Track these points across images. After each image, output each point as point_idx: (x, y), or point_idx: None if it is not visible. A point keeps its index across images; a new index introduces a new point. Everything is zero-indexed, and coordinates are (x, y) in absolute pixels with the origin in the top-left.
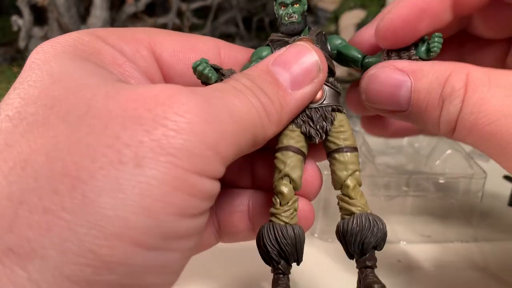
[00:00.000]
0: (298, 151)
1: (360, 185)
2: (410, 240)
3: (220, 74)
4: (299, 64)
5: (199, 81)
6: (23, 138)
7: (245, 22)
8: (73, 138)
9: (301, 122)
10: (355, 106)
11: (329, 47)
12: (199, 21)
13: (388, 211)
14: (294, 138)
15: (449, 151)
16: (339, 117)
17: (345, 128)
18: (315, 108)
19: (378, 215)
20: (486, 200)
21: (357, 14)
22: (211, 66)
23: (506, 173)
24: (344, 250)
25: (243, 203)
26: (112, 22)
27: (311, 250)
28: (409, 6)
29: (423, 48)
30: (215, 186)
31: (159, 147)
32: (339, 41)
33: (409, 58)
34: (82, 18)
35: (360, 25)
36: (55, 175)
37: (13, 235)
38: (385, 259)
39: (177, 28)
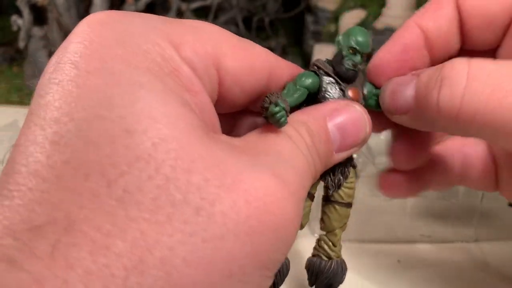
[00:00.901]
0: (311, 197)
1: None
2: (410, 240)
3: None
4: (353, 137)
5: (247, 100)
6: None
7: (245, 22)
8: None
9: (324, 173)
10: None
11: (362, 95)
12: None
13: (388, 211)
14: (313, 185)
15: None
16: (351, 173)
17: (352, 185)
18: (339, 163)
19: (378, 215)
20: (487, 200)
21: (357, 14)
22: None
23: None
24: (308, 280)
25: None
26: None
27: (311, 250)
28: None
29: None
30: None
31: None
32: (368, 89)
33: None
34: (82, 18)
35: (360, 25)
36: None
37: None
38: (385, 259)
39: None
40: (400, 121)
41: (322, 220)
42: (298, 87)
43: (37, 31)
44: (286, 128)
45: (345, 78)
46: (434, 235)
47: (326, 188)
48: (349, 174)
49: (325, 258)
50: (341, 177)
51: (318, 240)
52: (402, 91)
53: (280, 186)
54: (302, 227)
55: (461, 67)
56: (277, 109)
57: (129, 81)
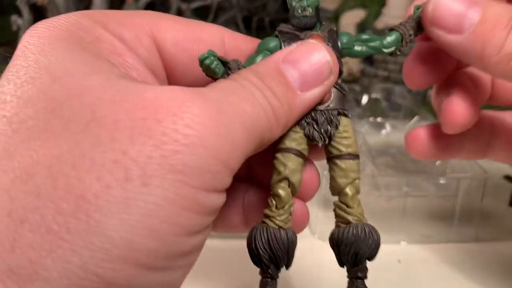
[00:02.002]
0: (299, 154)
1: (358, 193)
2: (410, 240)
3: (227, 68)
4: (310, 65)
5: (202, 72)
6: (23, 145)
7: (245, 22)
8: (77, 150)
9: (305, 124)
10: (413, 78)
11: (339, 45)
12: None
13: (389, 211)
14: (296, 140)
15: None
16: (344, 122)
17: (349, 134)
18: (321, 110)
19: (378, 215)
20: (487, 200)
21: (357, 14)
22: (219, 59)
23: (507, 173)
24: (336, 258)
25: (238, 196)
26: None
27: (311, 250)
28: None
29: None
30: (222, 199)
31: (169, 164)
32: (347, 38)
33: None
34: None
35: (360, 25)
36: (59, 193)
37: (15, 255)
38: (386, 259)
39: None
40: (441, 37)
41: (330, 185)
42: (258, 52)
43: None
44: (232, 76)
45: (303, 28)
46: (434, 235)
47: (313, 140)
48: (339, 123)
49: (343, 225)
50: (329, 127)
51: (334, 210)
52: (459, 12)
53: (195, 95)
54: (295, 187)
55: None
56: (203, 56)
57: (55, 51)
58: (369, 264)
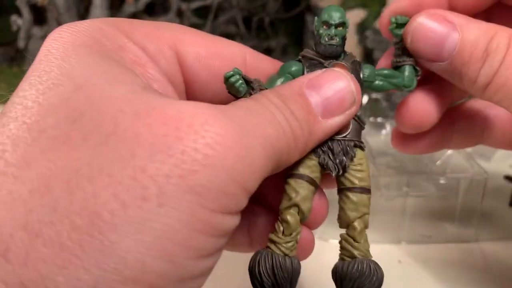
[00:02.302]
0: (311, 182)
1: (367, 228)
2: (410, 240)
3: (250, 87)
4: (334, 92)
5: (221, 89)
6: (42, 156)
7: (245, 22)
8: (96, 164)
9: (321, 152)
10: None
11: (361, 77)
12: (199, 21)
13: (389, 211)
14: (310, 167)
15: (449, 151)
16: (359, 155)
17: (363, 168)
18: (337, 140)
19: (378, 215)
20: (487, 200)
21: (357, 14)
22: (243, 77)
23: (507, 173)
24: None
25: (245, 217)
26: None
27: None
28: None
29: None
30: (237, 220)
31: (186, 185)
32: (369, 71)
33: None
34: (82, 18)
35: (361, 25)
36: (75, 208)
37: (27, 269)
38: (386, 259)
39: None
40: (424, 64)
41: (339, 216)
42: (279, 74)
43: (37, 31)
44: (256, 97)
45: (328, 56)
46: (434, 235)
47: (327, 170)
48: (355, 155)
49: (348, 259)
50: (344, 158)
51: (340, 242)
52: (440, 42)
53: (223, 119)
54: (304, 215)
55: (504, 42)
56: (229, 74)
57: (78, 57)
58: None
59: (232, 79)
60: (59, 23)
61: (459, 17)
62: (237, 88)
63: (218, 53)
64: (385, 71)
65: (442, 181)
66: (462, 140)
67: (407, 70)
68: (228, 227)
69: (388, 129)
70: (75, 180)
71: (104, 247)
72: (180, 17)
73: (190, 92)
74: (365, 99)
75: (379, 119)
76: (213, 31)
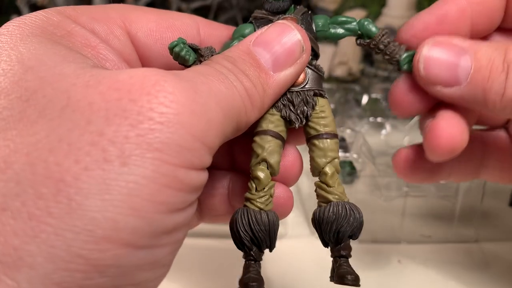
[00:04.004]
0: (277, 136)
1: (338, 173)
2: (410, 240)
3: (199, 54)
4: (281, 44)
5: (177, 62)
6: (0, 136)
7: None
8: (54, 135)
9: (282, 106)
10: (400, 107)
11: (314, 28)
12: None
13: (389, 211)
14: (273, 122)
15: None
16: (321, 102)
17: (326, 114)
18: (296, 91)
19: (378, 215)
20: (487, 200)
21: (357, 14)
22: (189, 46)
23: None
24: (319, 238)
25: (223, 185)
26: None
27: (311, 250)
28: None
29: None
30: (203, 177)
31: (146, 143)
32: (322, 20)
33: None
34: None
35: None
36: (38, 178)
37: None
38: (386, 259)
39: None
40: (438, 93)
41: (310, 165)
42: (233, 39)
43: None
44: (205, 62)
45: (276, 12)
46: (434, 235)
47: (290, 122)
48: (316, 103)
49: (324, 205)
50: (305, 108)
51: (315, 190)
52: (451, 65)
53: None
54: (273, 169)
55: None
56: (173, 43)
57: (27, 45)
58: (369, 264)
59: (177, 49)
60: None
61: (465, 40)
62: (184, 57)
63: (169, 26)
64: (339, 18)
65: (442, 181)
66: (463, 169)
67: (372, 27)
68: (195, 182)
69: (388, 129)
70: (35, 153)
71: (72, 210)
72: None
73: (147, 67)
74: (365, 99)
75: (379, 119)
76: None
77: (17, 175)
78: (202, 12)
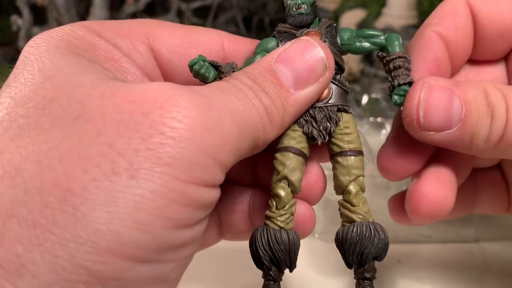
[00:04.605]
0: (299, 153)
1: (363, 191)
2: (410, 240)
3: (219, 71)
4: (303, 62)
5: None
6: (13, 143)
7: (245, 22)
8: (65, 145)
9: (304, 122)
10: (388, 171)
11: (339, 41)
12: (199, 21)
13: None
14: (295, 139)
15: None
16: (345, 118)
17: (350, 130)
18: (319, 107)
19: (378, 215)
20: None
21: (357, 14)
22: (210, 63)
23: None
24: (343, 259)
25: (244, 201)
26: None
27: (311, 250)
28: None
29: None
30: (215, 194)
31: (155, 157)
32: (347, 34)
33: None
34: (82, 18)
35: (360, 25)
36: (46, 187)
37: (3, 250)
38: (386, 259)
39: None
40: (429, 138)
41: (334, 183)
42: (256, 53)
43: (37, 31)
44: (225, 78)
45: (299, 26)
46: (434, 235)
47: (312, 139)
48: (339, 119)
49: (348, 224)
50: (328, 124)
51: (339, 209)
52: (447, 110)
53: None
54: (295, 186)
55: (497, 95)
56: (192, 61)
57: (51, 56)
58: None
59: (196, 66)
60: (59, 23)
61: (451, 81)
62: (203, 74)
63: (193, 42)
64: (366, 31)
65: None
66: (458, 208)
67: (396, 41)
68: (205, 199)
69: (388, 129)
70: (45, 161)
71: (77, 220)
72: (180, 17)
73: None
74: (365, 99)
75: (379, 119)
76: None
77: (25, 182)
78: (202, 12)
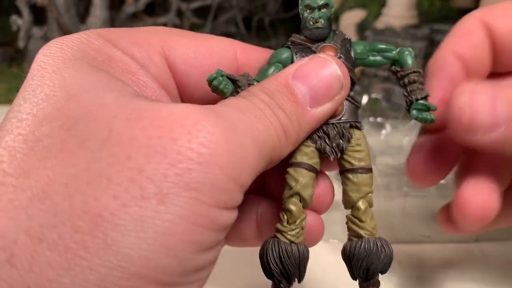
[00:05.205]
0: (311, 169)
1: (371, 207)
2: (410, 240)
3: (236, 85)
4: (320, 80)
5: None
6: (40, 164)
7: (245, 22)
8: (94, 169)
9: (317, 138)
10: (418, 177)
11: (353, 55)
12: (199, 21)
13: (389, 212)
14: (308, 154)
15: None
16: (357, 135)
17: (361, 148)
18: (332, 124)
19: (378, 215)
20: None
21: (357, 14)
22: (227, 77)
23: None
24: (349, 271)
25: (252, 210)
26: (112, 22)
27: (311, 250)
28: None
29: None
30: (234, 215)
31: (183, 182)
32: (361, 48)
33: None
34: (82, 18)
35: (360, 25)
36: (76, 211)
37: (33, 274)
38: None
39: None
40: (477, 141)
41: (343, 198)
42: (270, 64)
43: (37, 31)
44: (243, 94)
45: (315, 39)
46: (434, 235)
47: (325, 154)
48: (351, 136)
49: (355, 239)
50: (341, 141)
51: (346, 223)
52: (491, 109)
53: (212, 118)
54: (306, 202)
55: None
56: (211, 77)
57: (69, 70)
58: None
59: (215, 82)
60: (59, 23)
61: (488, 82)
62: (222, 90)
63: (207, 52)
64: (379, 46)
65: (442, 181)
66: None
67: (410, 58)
68: (227, 221)
69: (388, 129)
70: (74, 185)
71: (107, 245)
72: (180, 17)
73: (184, 94)
74: (365, 99)
75: (379, 119)
76: (213, 31)
77: (55, 206)
78: (202, 12)
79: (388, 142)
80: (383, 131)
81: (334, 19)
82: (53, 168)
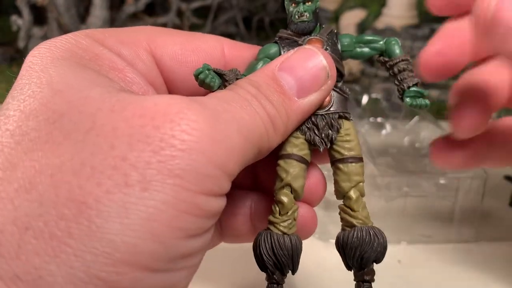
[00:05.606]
0: (301, 160)
1: (363, 196)
2: (410, 240)
3: (224, 79)
4: (306, 71)
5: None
6: (26, 156)
7: (245, 22)
8: (78, 158)
9: (306, 129)
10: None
11: (340, 47)
12: (199, 21)
13: (389, 212)
14: (297, 146)
15: None
16: (346, 125)
17: (351, 137)
18: (321, 115)
19: (378, 215)
20: (487, 200)
21: (357, 14)
22: (214, 71)
23: (507, 173)
24: (343, 261)
25: (245, 205)
26: (112, 22)
27: (311, 250)
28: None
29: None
30: (221, 203)
31: (167, 169)
32: (347, 40)
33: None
34: (82, 18)
35: (360, 25)
36: (61, 200)
37: (20, 262)
38: (386, 259)
39: (177, 28)
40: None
41: (334, 188)
42: (258, 59)
43: (37, 31)
44: (230, 87)
45: (301, 33)
46: (434, 235)
47: (314, 145)
48: (340, 126)
49: (348, 229)
50: (330, 131)
51: (339, 213)
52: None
53: (188, 102)
54: (297, 193)
55: None
56: (198, 71)
57: (56, 68)
58: None
59: (202, 76)
60: (59, 23)
61: None
62: (208, 84)
63: (194, 49)
64: (366, 37)
65: (442, 181)
66: (499, 157)
67: (397, 48)
68: (213, 208)
69: (388, 129)
70: (59, 175)
71: (92, 232)
72: (180, 17)
73: (172, 90)
74: (365, 99)
75: (379, 119)
76: (213, 31)
77: (41, 196)
78: (202, 12)
79: (388, 142)
80: (383, 131)
81: (334, 19)
82: (39, 159)
